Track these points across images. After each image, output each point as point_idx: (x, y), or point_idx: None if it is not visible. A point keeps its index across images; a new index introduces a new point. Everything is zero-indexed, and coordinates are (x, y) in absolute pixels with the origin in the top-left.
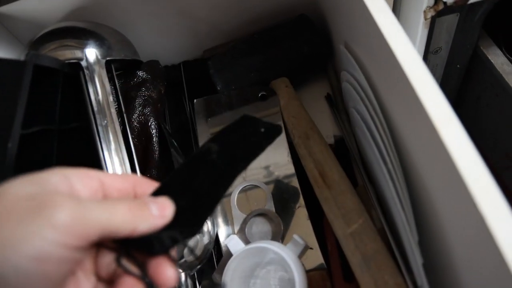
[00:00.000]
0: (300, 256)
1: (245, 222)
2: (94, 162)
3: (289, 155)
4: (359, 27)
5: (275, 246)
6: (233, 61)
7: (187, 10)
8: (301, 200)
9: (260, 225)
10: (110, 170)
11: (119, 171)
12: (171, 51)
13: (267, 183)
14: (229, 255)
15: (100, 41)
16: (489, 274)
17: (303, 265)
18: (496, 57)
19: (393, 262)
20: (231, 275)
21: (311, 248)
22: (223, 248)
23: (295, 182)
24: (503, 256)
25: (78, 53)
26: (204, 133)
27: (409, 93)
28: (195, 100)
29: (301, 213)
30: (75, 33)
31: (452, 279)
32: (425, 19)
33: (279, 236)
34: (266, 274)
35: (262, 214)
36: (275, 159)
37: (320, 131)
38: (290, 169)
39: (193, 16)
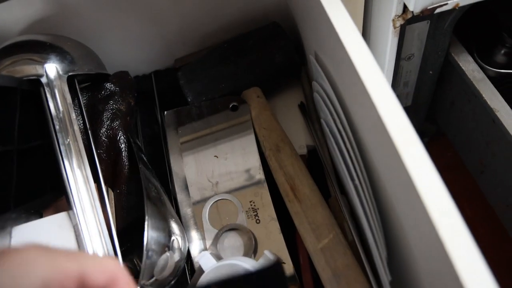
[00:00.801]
0: None
1: (216, 237)
2: (57, 181)
3: (261, 168)
4: (325, 38)
5: (245, 263)
6: (203, 72)
7: (156, 19)
8: (273, 213)
9: (232, 240)
10: (73, 189)
11: (83, 190)
12: (141, 61)
13: (238, 195)
14: (201, 271)
15: (61, 55)
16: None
17: None
18: (467, 64)
19: (363, 277)
20: None
21: (283, 263)
22: (195, 265)
23: (266, 195)
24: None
25: (38, 69)
26: (174, 145)
27: (372, 112)
28: (165, 112)
29: (273, 226)
30: (35, 47)
31: None
32: (394, 27)
33: (251, 250)
34: None
35: (234, 228)
36: (246, 172)
37: (293, 140)
38: (262, 181)
39: (163, 24)
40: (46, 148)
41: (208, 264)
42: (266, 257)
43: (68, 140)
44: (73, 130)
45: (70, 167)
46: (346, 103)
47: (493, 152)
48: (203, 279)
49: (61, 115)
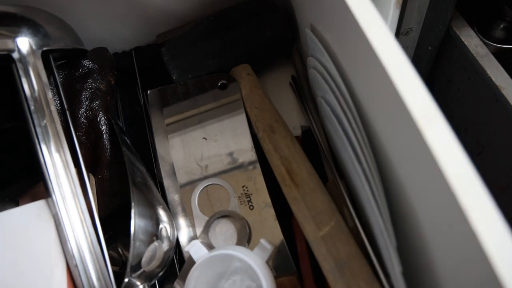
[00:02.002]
0: (268, 261)
1: (207, 225)
2: (34, 166)
3: (253, 150)
4: (326, 7)
5: (240, 253)
6: (189, 47)
7: None
8: (267, 199)
9: (224, 228)
10: (51, 175)
11: (62, 175)
12: (121, 36)
13: (229, 179)
14: (192, 261)
15: (34, 28)
16: (472, 279)
17: (272, 270)
18: (470, 39)
19: (368, 267)
20: (194, 284)
21: (279, 251)
22: (185, 254)
23: (260, 179)
24: (492, 265)
25: (9, 43)
26: (159, 127)
27: (386, 85)
28: (148, 91)
29: (267, 213)
30: (5, 19)
31: (432, 285)
32: None
33: (245, 239)
34: (232, 286)
35: (226, 215)
36: (238, 151)
37: (287, 120)
38: (255, 165)
39: None
40: (21, 130)
41: (199, 253)
42: (262, 246)
43: (45, 121)
44: (50, 111)
45: (48, 151)
46: (349, 78)
47: (493, 132)
48: (194, 270)
49: (36, 94)
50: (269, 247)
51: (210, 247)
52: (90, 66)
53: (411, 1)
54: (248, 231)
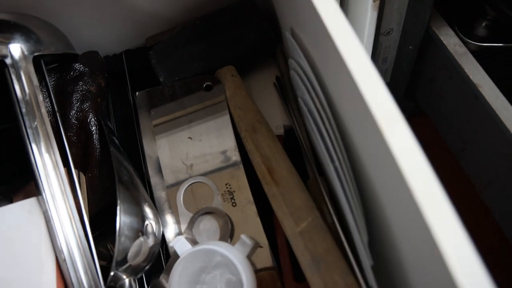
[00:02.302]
0: (249, 256)
1: (192, 221)
2: (26, 166)
3: (237, 149)
4: (301, 12)
5: (222, 248)
6: (176, 50)
7: None
8: (249, 196)
9: (208, 224)
10: (42, 174)
11: (52, 174)
12: (111, 40)
13: (213, 177)
14: (176, 256)
15: (26, 34)
16: (431, 275)
17: (252, 265)
18: (449, 38)
19: (344, 262)
20: (177, 278)
21: (261, 247)
22: (170, 250)
23: (242, 177)
24: (446, 263)
25: (2, 50)
26: (147, 127)
27: (352, 88)
28: (136, 93)
29: (249, 210)
30: None
31: (401, 279)
32: (374, 1)
33: (228, 234)
34: (212, 279)
35: (209, 212)
36: (222, 151)
37: (270, 120)
38: (238, 163)
39: (133, 1)
40: (13, 132)
41: (183, 248)
42: (242, 241)
43: (36, 123)
44: (41, 113)
45: (38, 151)
46: (324, 80)
47: (474, 129)
48: (178, 264)
49: (27, 97)
50: (249, 243)
51: (194, 242)
52: (81, 69)
53: (389, 2)
54: (230, 227)
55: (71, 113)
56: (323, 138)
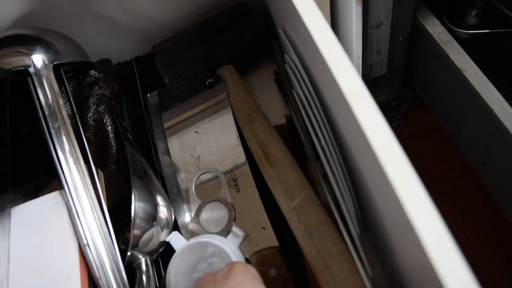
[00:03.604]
0: (240, 246)
1: (199, 210)
2: (50, 165)
3: (238, 139)
4: (287, 11)
5: (215, 240)
6: (178, 54)
7: (133, 8)
8: (252, 182)
9: (215, 212)
10: (64, 169)
11: (74, 170)
12: (122, 48)
13: (219, 167)
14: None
15: (46, 46)
16: (405, 239)
17: (243, 254)
18: (434, 27)
19: (335, 231)
20: (174, 271)
21: (263, 228)
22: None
23: (245, 165)
24: (416, 232)
25: (26, 60)
26: (158, 124)
27: (328, 74)
28: (148, 94)
29: (252, 194)
30: (22, 40)
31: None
32: None
33: (232, 220)
34: (209, 267)
35: (214, 200)
36: (225, 144)
37: (273, 111)
38: (240, 152)
39: (140, 13)
40: (37, 134)
41: (178, 243)
42: (234, 233)
43: (58, 124)
44: (62, 115)
45: (61, 148)
46: (311, 72)
47: (466, 113)
48: (174, 259)
49: (49, 101)
50: (240, 234)
51: (201, 230)
52: (95, 75)
53: None
54: (233, 213)
55: (89, 115)
56: (311, 121)
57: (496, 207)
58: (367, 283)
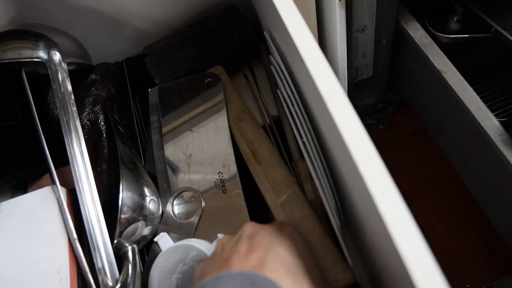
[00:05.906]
0: None
1: (172, 198)
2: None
3: (230, 141)
4: (270, 14)
5: (199, 245)
6: (168, 55)
7: (124, 11)
8: (239, 184)
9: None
10: (76, 164)
11: (80, 163)
12: (113, 49)
13: (208, 166)
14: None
15: (62, 45)
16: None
17: None
18: (415, 31)
19: (320, 225)
20: (158, 271)
21: None
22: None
23: (233, 167)
24: (383, 221)
25: (44, 55)
26: (155, 121)
27: (306, 74)
28: (149, 90)
29: (238, 197)
30: (41, 38)
31: (365, 242)
32: (339, 0)
33: (200, 207)
34: (189, 270)
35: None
36: (217, 144)
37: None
38: (230, 154)
39: (131, 15)
40: (27, 127)
41: (166, 244)
42: (218, 239)
43: (67, 117)
44: (71, 110)
45: (70, 142)
46: (294, 72)
47: (447, 113)
48: (159, 258)
49: (61, 95)
50: None
51: (176, 216)
52: (93, 77)
53: (358, 1)
54: (202, 201)
55: (84, 115)
56: (294, 119)
57: (478, 206)
58: (349, 274)
